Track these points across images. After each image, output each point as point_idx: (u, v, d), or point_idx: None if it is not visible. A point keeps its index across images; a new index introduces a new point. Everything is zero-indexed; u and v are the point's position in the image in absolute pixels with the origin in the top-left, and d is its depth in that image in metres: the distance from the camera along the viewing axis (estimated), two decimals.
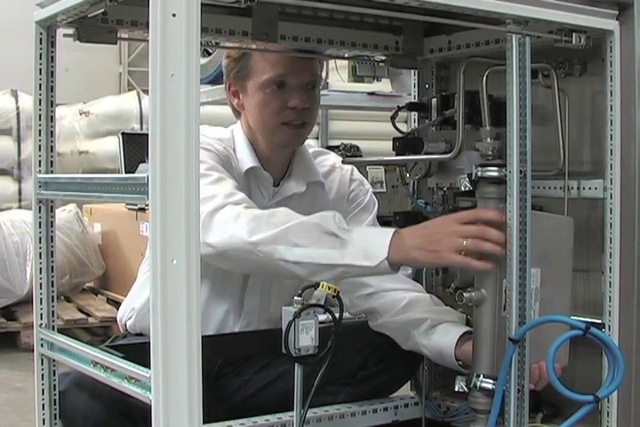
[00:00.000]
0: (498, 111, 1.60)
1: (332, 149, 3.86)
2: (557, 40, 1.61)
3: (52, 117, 1.62)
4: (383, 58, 2.10)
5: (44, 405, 1.63)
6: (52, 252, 1.64)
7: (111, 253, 4.97)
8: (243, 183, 1.90)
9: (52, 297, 1.64)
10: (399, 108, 2.04)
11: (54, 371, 1.64)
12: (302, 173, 2.03)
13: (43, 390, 1.63)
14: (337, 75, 4.72)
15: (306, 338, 1.51)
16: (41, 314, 1.63)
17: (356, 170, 2.14)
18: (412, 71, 2.20)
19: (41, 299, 1.63)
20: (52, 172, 1.62)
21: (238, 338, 2.02)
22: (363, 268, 1.58)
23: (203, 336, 1.21)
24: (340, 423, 1.96)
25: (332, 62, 4.52)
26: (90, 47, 1.76)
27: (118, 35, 1.68)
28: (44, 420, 1.63)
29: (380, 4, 1.43)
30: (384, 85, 4.46)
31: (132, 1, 1.55)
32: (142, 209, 4.38)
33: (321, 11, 1.88)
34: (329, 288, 1.52)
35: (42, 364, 1.63)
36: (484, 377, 1.59)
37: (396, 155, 1.96)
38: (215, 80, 4.41)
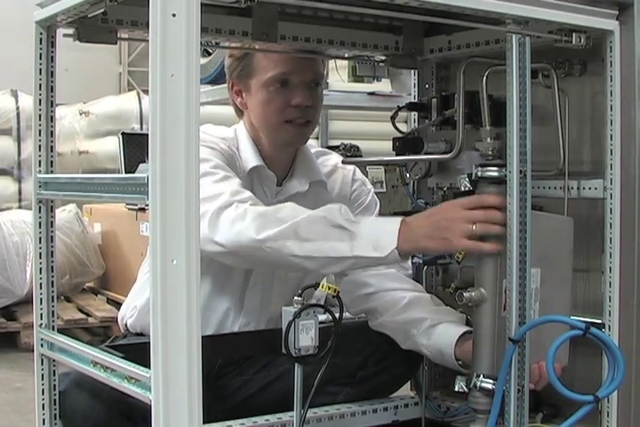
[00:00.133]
0: (498, 111, 1.60)
1: (332, 149, 3.86)
2: (557, 40, 1.61)
3: (52, 117, 1.62)
4: (383, 58, 2.10)
5: (43, 405, 1.63)
6: (51, 252, 1.64)
7: (111, 253, 4.97)
8: (246, 182, 1.90)
9: (52, 297, 1.64)
10: (399, 108, 2.04)
11: (54, 371, 1.64)
12: (305, 173, 2.03)
13: (43, 390, 1.63)
14: (337, 75, 4.72)
15: (306, 338, 1.51)
16: (41, 314, 1.63)
17: (358, 170, 2.15)
18: (412, 71, 2.20)
19: (41, 299, 1.63)
20: (52, 172, 1.62)
21: (238, 338, 2.02)
22: (372, 259, 1.59)
23: (203, 336, 1.21)
24: (339, 423, 1.96)
25: (331, 62, 4.52)
26: (90, 47, 1.76)
27: (118, 35, 1.68)
28: (43, 420, 1.63)
29: (380, 3, 1.43)
30: (384, 85, 4.47)
31: (132, 1, 1.55)
32: (142, 209, 4.38)
33: (321, 11, 1.88)
34: (329, 288, 1.52)
35: (42, 364, 1.63)
36: (483, 377, 1.59)
37: (396, 155, 1.96)
38: (215, 80, 4.41)
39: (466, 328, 1.84)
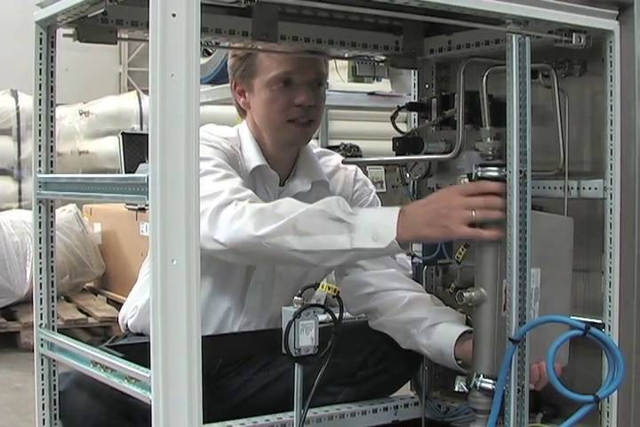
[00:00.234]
0: (498, 111, 1.60)
1: (332, 149, 3.86)
2: (557, 40, 1.61)
3: (52, 117, 1.62)
4: (383, 58, 2.10)
5: (44, 405, 1.63)
6: (51, 252, 1.64)
7: (111, 253, 4.97)
8: (249, 182, 1.90)
9: (52, 297, 1.64)
10: (399, 108, 2.04)
11: (54, 371, 1.64)
12: (307, 173, 2.03)
13: (43, 390, 1.63)
14: (337, 75, 4.72)
15: (306, 338, 1.51)
16: (41, 314, 1.63)
17: (360, 170, 2.15)
18: (412, 71, 2.19)
19: (41, 299, 1.63)
20: (52, 172, 1.62)
21: (238, 338, 2.02)
22: (373, 250, 1.59)
23: (203, 336, 1.21)
24: (339, 423, 1.96)
25: (331, 62, 4.51)
26: (90, 47, 1.76)
27: (118, 35, 1.68)
28: (43, 420, 1.63)
29: (380, 3, 1.43)
30: (384, 85, 4.47)
31: (132, 1, 1.54)
32: (142, 209, 4.38)
33: (321, 11, 1.88)
34: (329, 288, 1.52)
35: (42, 364, 1.63)
36: (483, 377, 1.59)
37: (396, 155, 1.96)
38: (215, 80, 4.41)
39: (465, 328, 1.84)
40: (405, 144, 1.94)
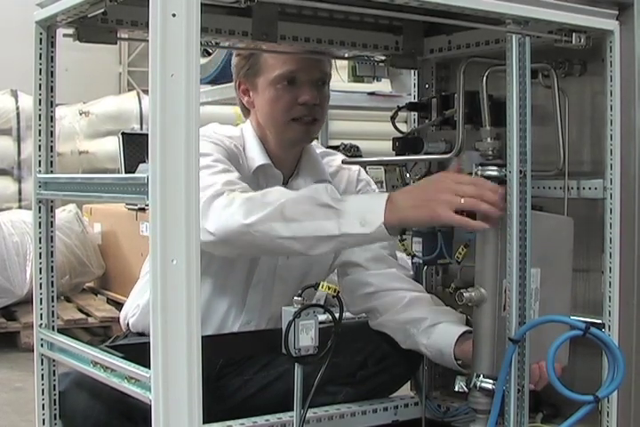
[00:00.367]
0: (498, 111, 1.60)
1: (331, 149, 3.86)
2: (557, 40, 1.61)
3: (52, 117, 1.62)
4: (383, 58, 2.10)
5: (43, 405, 1.63)
6: (51, 252, 1.64)
7: (111, 253, 4.97)
8: (252, 181, 1.90)
9: (52, 297, 1.64)
10: (399, 108, 2.04)
11: (54, 371, 1.64)
12: (310, 172, 2.03)
13: (43, 390, 1.63)
14: (337, 75, 4.71)
15: (306, 338, 1.51)
16: (41, 314, 1.63)
17: (363, 171, 2.15)
18: (412, 71, 2.20)
19: (41, 299, 1.63)
20: (51, 172, 1.62)
21: (238, 338, 2.02)
22: (360, 235, 1.57)
23: (203, 336, 1.21)
24: (339, 423, 1.96)
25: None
26: (90, 47, 1.76)
27: (118, 35, 1.69)
28: (43, 420, 1.63)
29: (380, 3, 1.43)
30: (384, 85, 4.46)
31: (132, 1, 1.55)
32: (142, 209, 4.38)
33: (321, 11, 1.88)
34: (329, 288, 1.52)
35: (42, 364, 1.63)
36: (483, 377, 1.59)
37: (396, 155, 1.97)
38: (215, 80, 4.40)
39: (465, 328, 1.84)
40: (405, 144, 1.94)
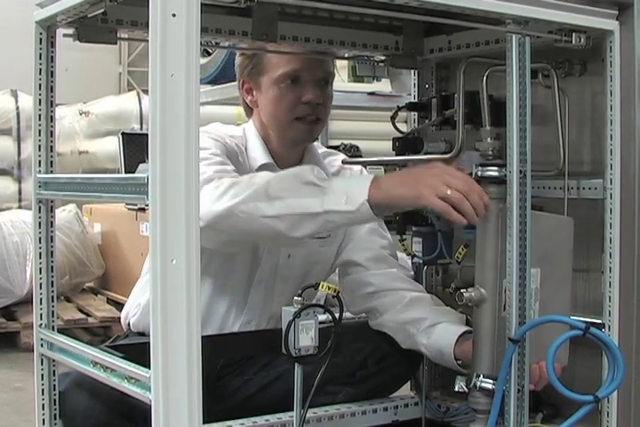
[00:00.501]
0: (498, 111, 1.61)
1: (331, 149, 3.86)
2: (557, 40, 1.61)
3: (51, 117, 1.62)
4: (383, 58, 2.11)
5: (43, 405, 1.63)
6: (51, 252, 1.64)
7: (111, 253, 4.97)
8: None
9: (52, 297, 1.64)
10: (399, 108, 2.04)
11: (54, 371, 1.64)
12: None
13: (43, 390, 1.63)
14: (337, 75, 4.70)
15: (306, 338, 1.51)
16: (41, 314, 1.63)
17: (365, 171, 2.15)
18: (412, 71, 2.20)
19: (41, 299, 1.63)
20: (51, 172, 1.62)
21: (238, 338, 2.02)
22: (344, 213, 1.57)
23: (203, 336, 1.21)
24: (339, 423, 1.96)
25: None
26: (90, 47, 1.76)
27: (118, 35, 1.69)
28: (43, 420, 1.63)
29: (380, 3, 1.43)
30: (384, 85, 4.46)
31: (132, 1, 1.55)
32: (142, 209, 4.38)
33: (321, 11, 1.88)
34: (329, 288, 1.52)
35: (42, 364, 1.63)
36: (483, 377, 1.59)
37: (396, 155, 1.97)
38: (215, 80, 4.40)
39: (465, 328, 1.84)
40: (405, 144, 1.94)
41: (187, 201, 1.18)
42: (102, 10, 1.46)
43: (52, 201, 1.64)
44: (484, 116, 1.66)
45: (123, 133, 4.82)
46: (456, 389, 1.68)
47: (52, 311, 1.64)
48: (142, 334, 2.02)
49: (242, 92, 2.04)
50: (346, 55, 2.26)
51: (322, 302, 1.83)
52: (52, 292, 1.64)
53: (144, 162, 4.02)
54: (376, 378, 2.03)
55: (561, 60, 1.83)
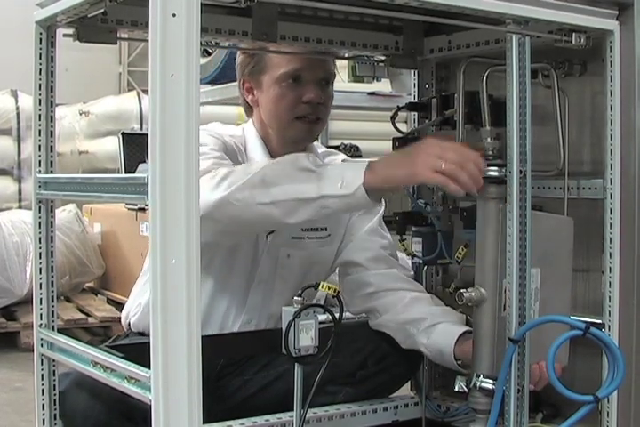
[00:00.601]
0: (498, 111, 1.61)
1: (332, 149, 3.86)
2: (557, 40, 1.61)
3: (51, 117, 1.62)
4: (383, 58, 2.11)
5: (43, 405, 1.63)
6: (51, 252, 1.64)
7: (111, 253, 4.97)
8: None
9: (52, 297, 1.64)
10: (399, 108, 2.04)
11: (54, 371, 1.64)
12: None
13: (43, 390, 1.63)
14: (337, 75, 4.71)
15: (306, 338, 1.51)
16: (41, 314, 1.63)
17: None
18: (412, 71, 2.20)
19: (41, 299, 1.63)
20: (51, 172, 1.62)
21: (238, 338, 2.02)
22: (340, 197, 1.57)
23: (203, 336, 1.21)
24: (339, 423, 1.96)
25: None
26: (90, 47, 1.76)
27: (118, 35, 1.69)
28: (43, 420, 1.63)
29: (380, 3, 1.43)
30: (384, 85, 4.46)
31: (132, 1, 1.55)
32: (142, 209, 4.38)
33: (321, 11, 1.88)
34: (329, 288, 1.52)
35: (42, 364, 1.63)
36: (483, 377, 1.59)
37: None
38: (215, 80, 4.40)
39: (465, 328, 1.84)
40: (405, 144, 1.94)
41: (187, 201, 1.18)
42: (102, 10, 1.46)
43: (52, 201, 1.63)
44: (484, 116, 1.66)
45: (123, 133, 4.82)
46: (456, 389, 1.68)
47: (52, 311, 1.64)
48: (142, 334, 2.02)
49: (242, 90, 2.04)
50: (346, 55, 2.26)
51: (322, 302, 1.83)
52: (52, 292, 1.64)
53: (144, 162, 4.02)
54: (376, 378, 2.03)
55: (561, 60, 1.83)
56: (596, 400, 1.41)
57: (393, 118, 2.02)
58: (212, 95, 4.27)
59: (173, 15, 1.15)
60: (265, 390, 2.02)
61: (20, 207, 5.64)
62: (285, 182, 1.59)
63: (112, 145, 5.54)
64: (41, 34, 1.59)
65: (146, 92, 5.44)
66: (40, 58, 1.59)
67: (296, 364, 1.52)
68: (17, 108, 5.84)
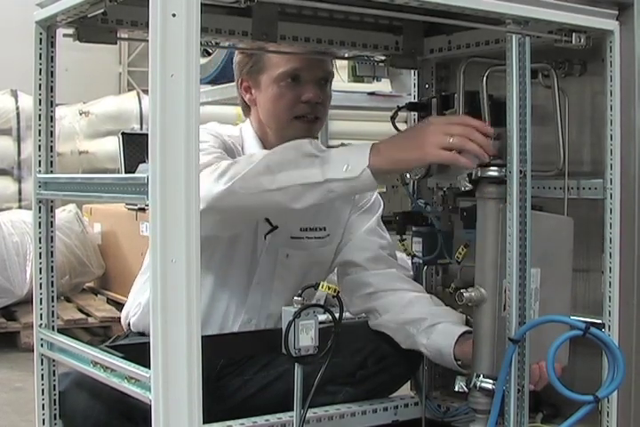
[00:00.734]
0: (498, 111, 1.60)
1: None
2: (557, 40, 1.61)
3: (51, 117, 1.62)
4: (383, 58, 2.11)
5: (43, 405, 1.63)
6: (51, 252, 1.64)
7: (111, 253, 4.97)
8: None
9: (52, 297, 1.64)
10: (399, 108, 2.04)
11: (54, 371, 1.64)
12: None
13: (43, 390, 1.63)
14: (337, 75, 4.70)
15: (306, 338, 1.51)
16: (41, 314, 1.63)
17: None
18: (412, 71, 2.20)
19: (41, 299, 1.63)
20: (51, 172, 1.62)
21: (238, 338, 2.02)
22: (345, 181, 1.57)
23: (203, 336, 1.21)
24: (339, 423, 1.96)
25: None
26: (90, 47, 1.76)
27: (118, 35, 1.69)
28: (43, 420, 1.63)
29: (380, 3, 1.43)
30: (384, 85, 4.46)
31: (132, 1, 1.55)
32: (142, 209, 4.38)
33: (321, 11, 1.88)
34: (329, 288, 1.52)
35: (42, 364, 1.63)
36: (483, 377, 1.59)
37: None
38: (215, 80, 4.40)
39: (465, 328, 1.84)
40: None
41: (187, 201, 1.18)
42: (102, 10, 1.46)
43: (52, 201, 1.63)
44: (484, 116, 1.66)
45: (123, 133, 4.82)
46: (456, 389, 1.68)
47: (52, 311, 1.64)
48: (142, 333, 2.02)
49: (240, 90, 2.04)
50: (346, 55, 2.26)
51: (322, 302, 1.83)
52: (52, 292, 1.64)
53: (144, 162, 4.02)
54: (376, 378, 2.03)
55: (561, 60, 1.83)
56: (596, 400, 1.41)
57: (393, 118, 2.01)
58: (211, 95, 4.27)
59: (173, 15, 1.15)
60: (265, 390, 2.02)
61: (20, 207, 5.64)
62: (290, 168, 1.59)
63: (112, 145, 5.54)
64: (41, 34, 1.59)
65: (146, 92, 5.45)
66: (40, 58, 1.59)
67: (296, 364, 1.52)
68: (17, 108, 5.84)
